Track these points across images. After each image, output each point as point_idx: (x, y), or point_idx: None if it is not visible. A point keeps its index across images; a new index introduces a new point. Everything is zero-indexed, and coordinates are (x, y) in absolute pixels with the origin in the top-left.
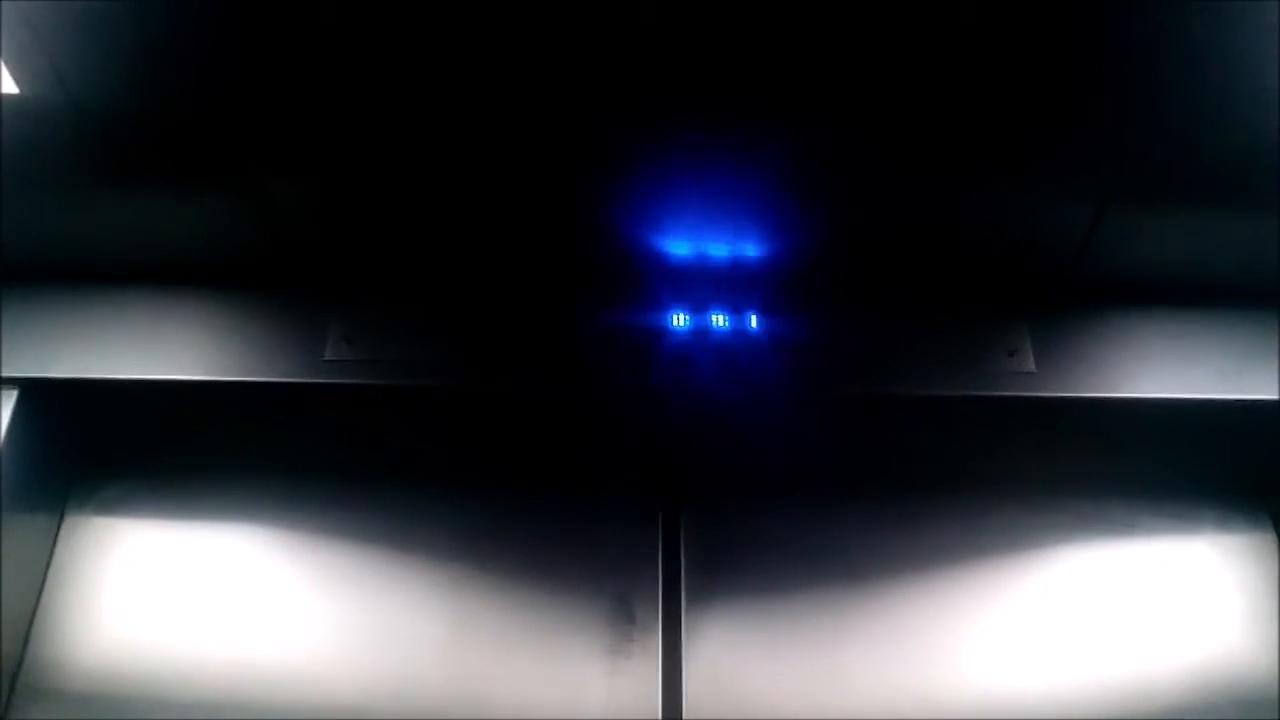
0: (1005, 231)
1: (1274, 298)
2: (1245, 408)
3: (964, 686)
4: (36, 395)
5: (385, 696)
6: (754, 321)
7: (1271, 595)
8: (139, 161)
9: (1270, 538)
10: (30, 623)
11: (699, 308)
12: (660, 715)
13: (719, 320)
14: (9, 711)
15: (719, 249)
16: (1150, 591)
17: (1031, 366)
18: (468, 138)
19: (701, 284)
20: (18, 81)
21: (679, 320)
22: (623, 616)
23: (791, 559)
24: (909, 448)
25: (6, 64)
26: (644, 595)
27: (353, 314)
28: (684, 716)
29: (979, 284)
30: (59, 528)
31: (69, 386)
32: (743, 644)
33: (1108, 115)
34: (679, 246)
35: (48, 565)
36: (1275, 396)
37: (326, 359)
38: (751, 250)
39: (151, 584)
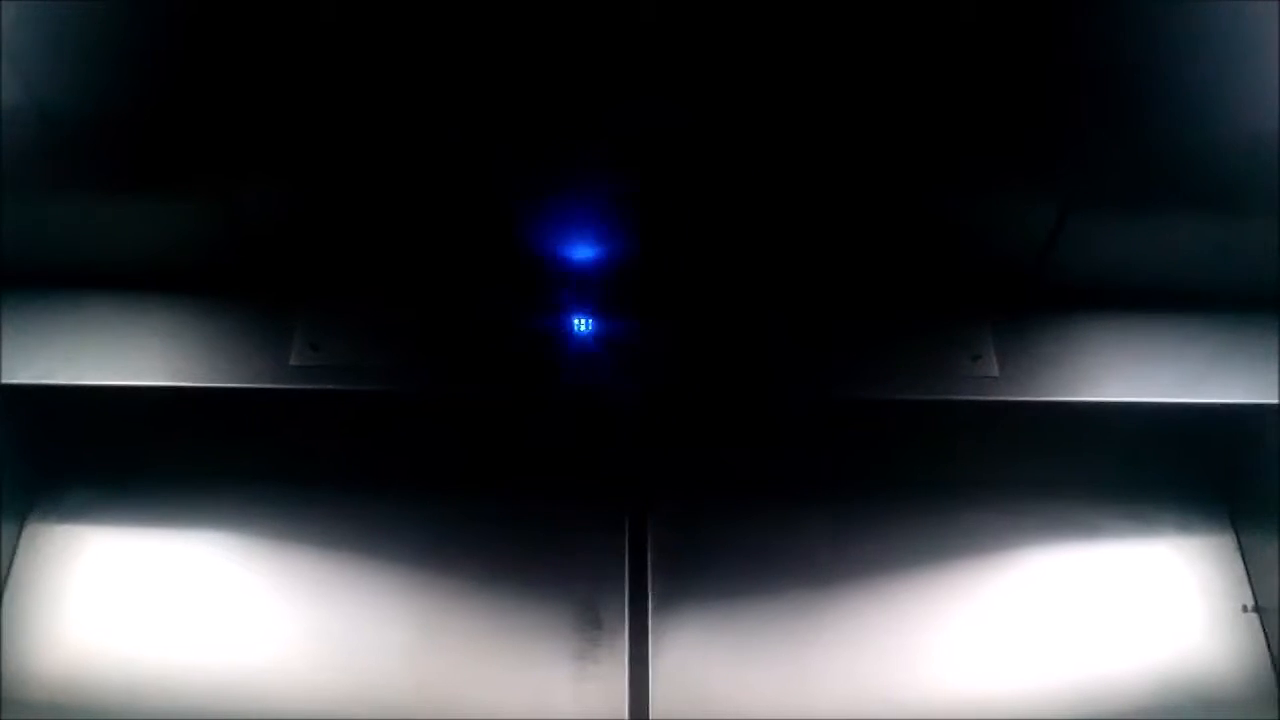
0: (969, 236)
1: (1235, 302)
2: (1206, 411)
3: (929, 687)
4: None
5: (352, 702)
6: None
7: (1230, 593)
8: (103, 167)
9: (1230, 538)
10: None
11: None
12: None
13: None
14: None
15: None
16: (1113, 592)
17: (995, 370)
18: (436, 145)
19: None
20: None
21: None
22: (590, 622)
23: (758, 563)
24: (874, 452)
25: None
26: (611, 600)
27: (319, 319)
28: None
29: (943, 288)
30: (19, 536)
31: (31, 392)
32: (709, 648)
33: (1070, 121)
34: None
35: (7, 574)
36: (1235, 400)
37: (292, 364)
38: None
39: (115, 592)
